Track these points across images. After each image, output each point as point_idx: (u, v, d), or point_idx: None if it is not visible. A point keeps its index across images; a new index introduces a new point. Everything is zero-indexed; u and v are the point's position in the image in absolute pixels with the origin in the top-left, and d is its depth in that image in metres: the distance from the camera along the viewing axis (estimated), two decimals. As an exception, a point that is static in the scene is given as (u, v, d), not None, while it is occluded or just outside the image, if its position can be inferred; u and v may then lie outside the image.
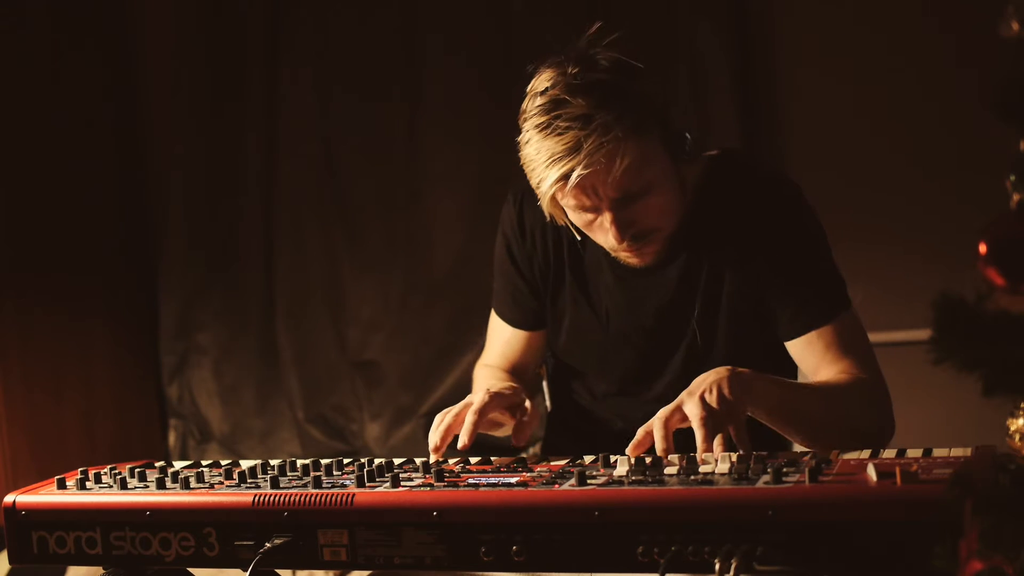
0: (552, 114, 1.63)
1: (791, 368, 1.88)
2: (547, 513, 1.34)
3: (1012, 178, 1.12)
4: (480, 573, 1.48)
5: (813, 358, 1.81)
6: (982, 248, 1.08)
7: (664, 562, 1.28)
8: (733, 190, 1.85)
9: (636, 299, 1.89)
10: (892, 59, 3.33)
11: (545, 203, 1.72)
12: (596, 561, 1.33)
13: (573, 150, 1.61)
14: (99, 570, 1.58)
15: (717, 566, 1.24)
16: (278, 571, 1.62)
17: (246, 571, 1.44)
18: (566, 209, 1.75)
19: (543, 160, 1.64)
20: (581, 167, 1.61)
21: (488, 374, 2.03)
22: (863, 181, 3.37)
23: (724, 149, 1.92)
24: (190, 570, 1.61)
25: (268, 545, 1.44)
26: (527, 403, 1.80)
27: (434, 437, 1.69)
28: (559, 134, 1.62)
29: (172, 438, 4.05)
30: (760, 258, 1.81)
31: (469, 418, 1.69)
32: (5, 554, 1.70)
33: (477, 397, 1.73)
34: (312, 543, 1.44)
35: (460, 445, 1.68)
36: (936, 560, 1.08)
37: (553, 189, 1.66)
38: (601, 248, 1.84)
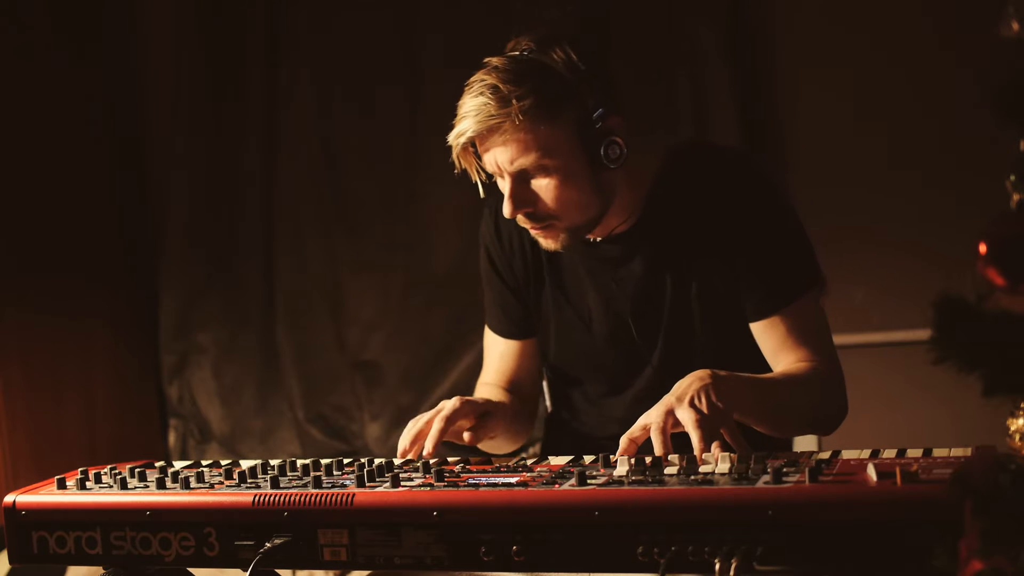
0: (482, 75, 1.74)
1: None
2: (547, 513, 1.35)
3: (1012, 178, 1.12)
4: (480, 573, 1.48)
5: (773, 342, 1.84)
6: (982, 248, 1.08)
7: (664, 562, 1.28)
8: (694, 177, 1.87)
9: (610, 297, 1.92)
10: (891, 60, 3.32)
11: (453, 153, 1.80)
12: (596, 561, 1.33)
13: (474, 112, 1.72)
14: (99, 570, 1.58)
15: (717, 566, 1.24)
16: (278, 571, 1.62)
17: (246, 571, 1.44)
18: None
19: (458, 114, 1.76)
20: (471, 131, 1.73)
21: (484, 392, 2.06)
22: (863, 182, 3.37)
23: (685, 139, 1.95)
24: (190, 570, 1.62)
25: (268, 545, 1.44)
26: (496, 413, 1.85)
27: (403, 442, 1.74)
28: (474, 95, 1.73)
29: (172, 438, 4.05)
30: (725, 241, 1.84)
31: (436, 425, 1.73)
32: (5, 554, 1.70)
33: (448, 404, 1.77)
34: (312, 543, 1.44)
35: (425, 452, 1.72)
36: (936, 560, 1.08)
37: (453, 141, 1.77)
38: (575, 248, 1.89)
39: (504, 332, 2.07)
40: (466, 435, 1.82)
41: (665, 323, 1.89)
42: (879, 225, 3.35)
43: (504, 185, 1.79)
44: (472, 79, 1.76)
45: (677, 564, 1.28)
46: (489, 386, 2.07)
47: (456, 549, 1.38)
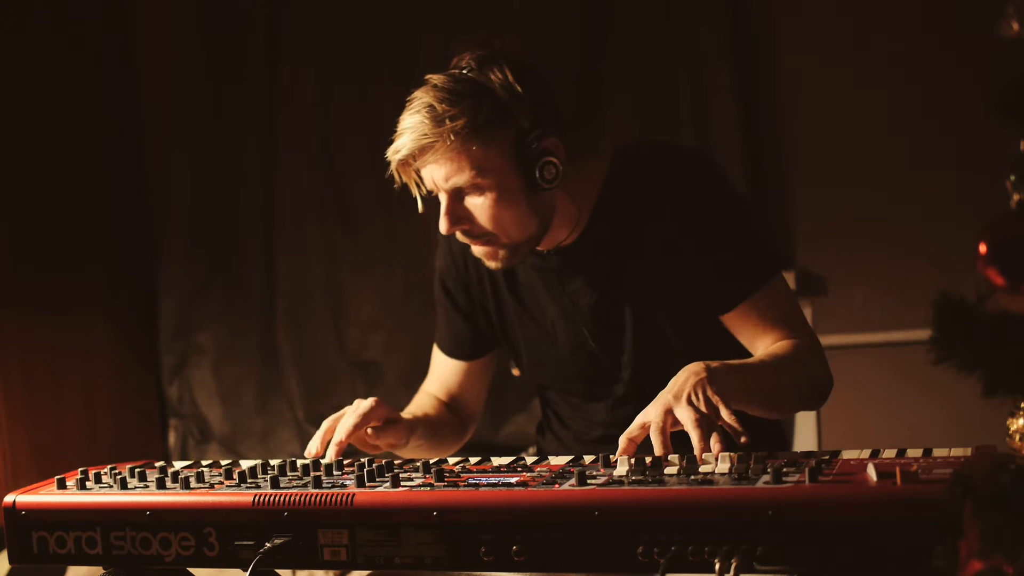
0: (421, 92, 1.77)
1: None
2: (547, 513, 1.35)
3: (1012, 178, 1.12)
4: (480, 573, 1.48)
5: (748, 329, 1.83)
6: (982, 248, 1.08)
7: (664, 562, 1.28)
8: (641, 179, 1.86)
9: (567, 309, 1.92)
10: (892, 60, 3.32)
11: (392, 167, 1.84)
12: (596, 561, 1.33)
13: (410, 130, 1.76)
14: (99, 570, 1.58)
15: (717, 566, 1.24)
16: (278, 571, 1.62)
17: (246, 571, 1.44)
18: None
19: (397, 129, 1.80)
20: (406, 148, 1.76)
21: (422, 399, 2.10)
22: (864, 182, 3.37)
23: (629, 142, 1.94)
24: (190, 570, 1.62)
25: (268, 545, 1.44)
26: (401, 423, 1.89)
27: (313, 443, 1.80)
28: (411, 112, 1.77)
29: (172, 438, 4.05)
30: (679, 239, 1.83)
31: (350, 419, 1.79)
32: (5, 554, 1.70)
33: (364, 403, 1.82)
34: (312, 543, 1.44)
35: (335, 441, 1.76)
36: (936, 560, 1.08)
37: (391, 157, 1.81)
38: (529, 263, 1.90)
39: (451, 353, 2.10)
40: (368, 429, 1.84)
41: (629, 330, 1.88)
42: (879, 225, 3.35)
43: (441, 201, 1.80)
44: (413, 95, 1.78)
45: (677, 564, 1.28)
46: (428, 395, 2.11)
47: (456, 549, 1.38)
